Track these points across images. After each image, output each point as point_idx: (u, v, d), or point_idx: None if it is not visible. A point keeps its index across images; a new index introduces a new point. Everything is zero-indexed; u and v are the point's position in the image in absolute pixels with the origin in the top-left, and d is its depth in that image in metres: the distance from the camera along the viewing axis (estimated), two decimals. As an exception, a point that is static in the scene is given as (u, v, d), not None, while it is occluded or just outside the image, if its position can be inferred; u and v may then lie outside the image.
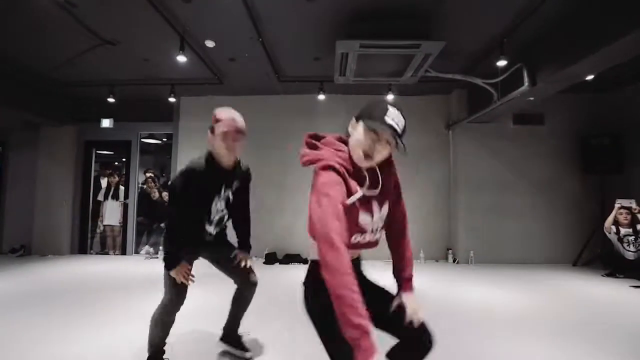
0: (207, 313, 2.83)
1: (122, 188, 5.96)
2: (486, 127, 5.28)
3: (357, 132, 1.10)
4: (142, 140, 6.23)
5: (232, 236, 2.09)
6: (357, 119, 1.13)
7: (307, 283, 1.18)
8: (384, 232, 1.27)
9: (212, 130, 1.76)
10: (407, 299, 1.21)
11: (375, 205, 1.14)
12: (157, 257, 5.43)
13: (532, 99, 4.04)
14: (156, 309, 1.88)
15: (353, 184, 1.07)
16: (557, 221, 5.20)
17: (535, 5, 2.94)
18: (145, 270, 4.63)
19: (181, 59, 3.51)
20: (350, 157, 1.11)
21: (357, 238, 1.13)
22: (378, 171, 1.17)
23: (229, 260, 2.01)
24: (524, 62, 3.65)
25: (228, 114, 1.76)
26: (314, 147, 1.14)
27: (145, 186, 6.28)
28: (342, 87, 4.64)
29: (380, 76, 3.82)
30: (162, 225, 5.96)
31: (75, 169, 5.82)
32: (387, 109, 1.07)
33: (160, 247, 5.66)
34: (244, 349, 2.11)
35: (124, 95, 5.20)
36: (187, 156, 5.66)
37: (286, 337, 2.40)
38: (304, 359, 2.10)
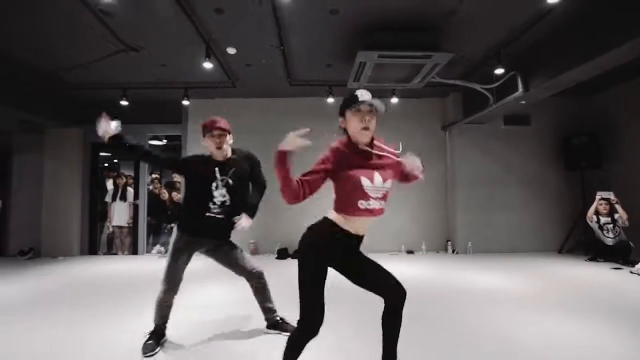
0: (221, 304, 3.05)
1: (129, 189, 6.03)
2: (480, 128, 5.72)
3: (348, 120, 1.47)
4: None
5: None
6: (342, 114, 1.50)
7: (312, 228, 1.49)
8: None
9: (203, 135, 2.14)
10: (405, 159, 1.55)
11: (376, 175, 1.44)
12: (170, 256, 5.56)
13: (523, 102, 4.47)
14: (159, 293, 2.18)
15: (356, 158, 1.45)
16: (543, 213, 5.71)
17: (532, 21, 3.34)
18: (161, 269, 4.75)
19: (207, 65, 3.71)
20: (349, 141, 1.47)
21: (363, 204, 1.41)
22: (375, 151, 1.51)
23: (233, 256, 2.23)
24: (518, 70, 4.06)
25: (210, 119, 2.14)
26: None
27: (151, 187, 6.38)
28: (350, 90, 4.94)
29: (390, 82, 4.15)
30: (172, 225, 6.09)
31: (83, 171, 5.86)
32: (356, 93, 1.45)
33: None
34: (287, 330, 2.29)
35: (134, 98, 5.29)
36: (196, 157, 5.83)
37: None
38: (320, 346, 2.34)
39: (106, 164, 8.33)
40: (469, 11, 3.16)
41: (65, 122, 5.57)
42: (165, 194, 6.24)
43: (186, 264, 2.18)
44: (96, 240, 5.96)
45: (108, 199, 5.98)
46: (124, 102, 5.07)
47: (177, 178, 6.74)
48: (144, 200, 5.95)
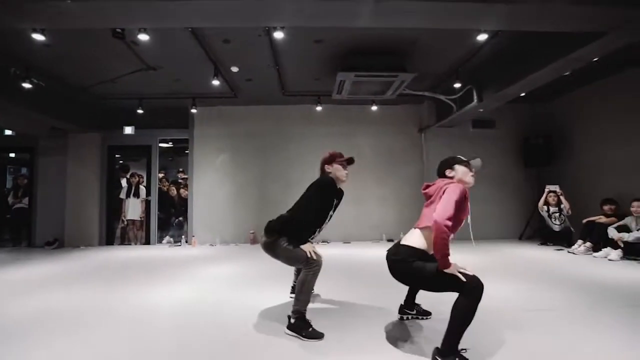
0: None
1: (141, 187, 6.76)
2: (451, 131, 6.54)
3: (461, 171, 2.00)
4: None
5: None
6: (454, 166, 2.03)
7: (414, 258, 1.87)
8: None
9: (332, 163, 2.44)
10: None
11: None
12: (180, 245, 6.32)
13: (481, 110, 5.30)
14: (303, 275, 2.23)
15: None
16: (506, 204, 6.57)
17: (478, 46, 4.14)
18: (176, 254, 5.52)
19: (215, 82, 4.48)
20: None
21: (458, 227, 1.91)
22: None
23: None
24: (473, 84, 4.89)
25: (343, 159, 2.47)
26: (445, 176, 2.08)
27: (160, 185, 7.11)
28: (337, 100, 5.75)
29: (368, 94, 4.95)
30: (180, 219, 6.85)
31: (101, 171, 6.60)
32: (469, 161, 2.04)
33: (182, 237, 6.53)
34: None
35: (147, 106, 6.04)
36: (202, 157, 6.60)
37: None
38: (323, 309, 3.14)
39: (120, 161, 9.04)
40: (426, 41, 3.97)
41: (87, 127, 6.30)
42: (173, 191, 6.99)
43: None
44: (113, 233, 6.69)
45: (122, 195, 6.71)
46: (140, 111, 5.82)
47: (183, 176, 7.49)
48: (155, 196, 6.69)
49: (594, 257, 4.59)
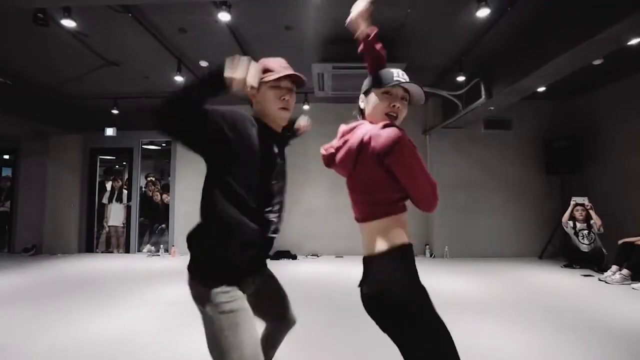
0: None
1: (125, 191, 6.42)
2: (459, 132, 5.74)
3: (372, 101, 1.11)
4: (143, 146, 6.68)
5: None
6: (367, 93, 1.14)
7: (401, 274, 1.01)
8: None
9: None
10: None
11: None
12: (159, 255, 5.89)
13: (492, 108, 4.50)
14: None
15: None
16: (524, 217, 5.67)
17: (482, 28, 3.39)
18: (149, 266, 5.08)
19: (178, 78, 3.98)
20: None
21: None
22: None
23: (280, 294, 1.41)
24: (481, 78, 4.12)
25: (278, 61, 1.25)
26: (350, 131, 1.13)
27: (146, 189, 6.75)
28: (324, 97, 5.11)
29: (355, 90, 4.26)
30: (163, 226, 6.44)
31: (82, 174, 6.29)
32: (392, 71, 1.10)
33: (161, 246, 6.11)
34: None
35: (127, 107, 5.66)
36: (184, 160, 6.16)
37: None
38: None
39: (117, 166, 8.84)
40: (416, 24, 3.28)
41: (67, 128, 6.01)
42: (157, 196, 6.59)
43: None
44: (93, 239, 6.37)
45: (105, 200, 6.39)
46: (114, 111, 5.44)
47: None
48: (136, 201, 6.32)
49: (633, 289, 3.70)
